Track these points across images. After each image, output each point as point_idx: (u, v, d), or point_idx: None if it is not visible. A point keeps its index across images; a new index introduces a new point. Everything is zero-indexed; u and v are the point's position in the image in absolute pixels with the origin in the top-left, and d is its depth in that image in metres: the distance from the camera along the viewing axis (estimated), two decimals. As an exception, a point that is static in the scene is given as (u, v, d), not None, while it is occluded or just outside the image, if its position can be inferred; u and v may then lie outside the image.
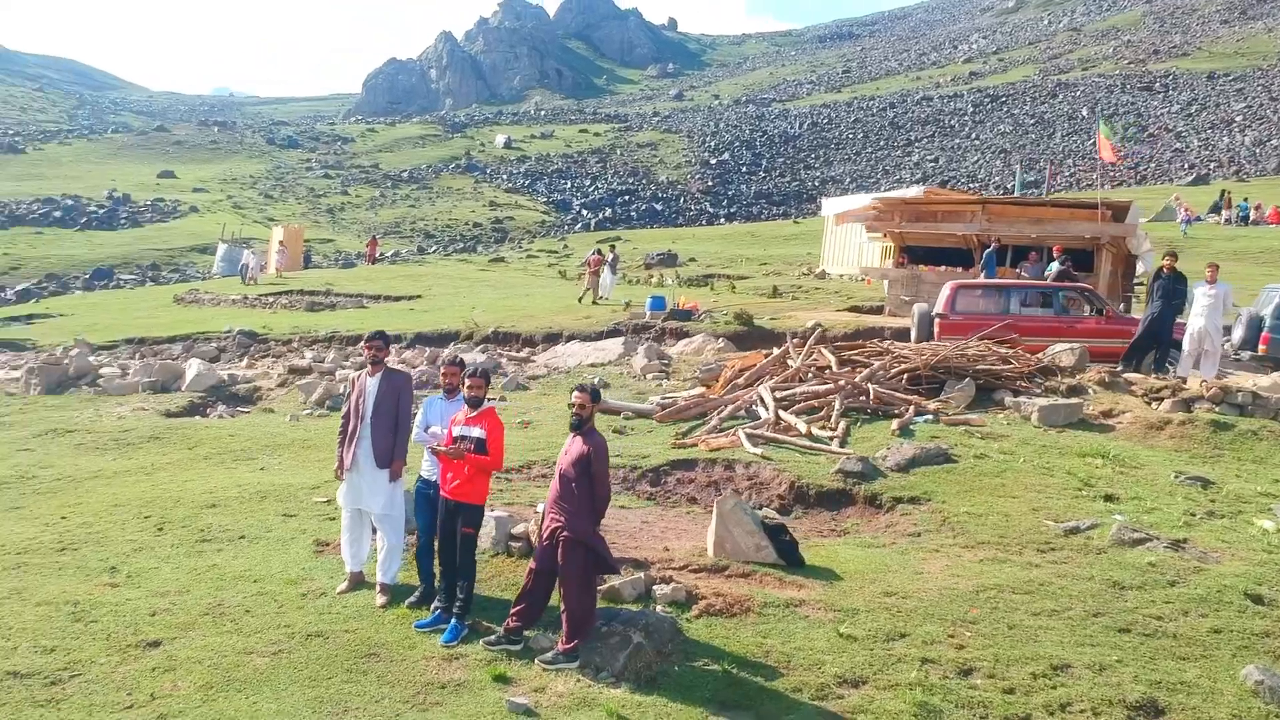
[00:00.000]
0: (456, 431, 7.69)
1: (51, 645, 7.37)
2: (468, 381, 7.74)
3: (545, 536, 7.35)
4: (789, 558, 8.86)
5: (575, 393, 7.40)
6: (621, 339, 22.14)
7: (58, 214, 66.10)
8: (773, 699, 6.63)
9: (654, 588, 8.13)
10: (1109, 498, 10.63)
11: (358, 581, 8.42)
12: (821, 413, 13.63)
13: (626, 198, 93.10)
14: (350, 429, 8.40)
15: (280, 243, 48.89)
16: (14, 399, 18.54)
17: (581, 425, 7.27)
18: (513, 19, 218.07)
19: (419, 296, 36.84)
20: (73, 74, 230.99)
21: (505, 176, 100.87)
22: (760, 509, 11.24)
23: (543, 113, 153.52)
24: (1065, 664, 6.97)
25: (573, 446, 7.32)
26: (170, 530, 10.07)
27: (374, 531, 8.55)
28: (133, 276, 53.06)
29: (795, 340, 16.70)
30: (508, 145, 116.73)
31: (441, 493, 7.75)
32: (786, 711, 6.49)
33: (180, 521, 10.33)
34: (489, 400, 7.92)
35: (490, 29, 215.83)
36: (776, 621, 7.70)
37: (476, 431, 7.62)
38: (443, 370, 8.34)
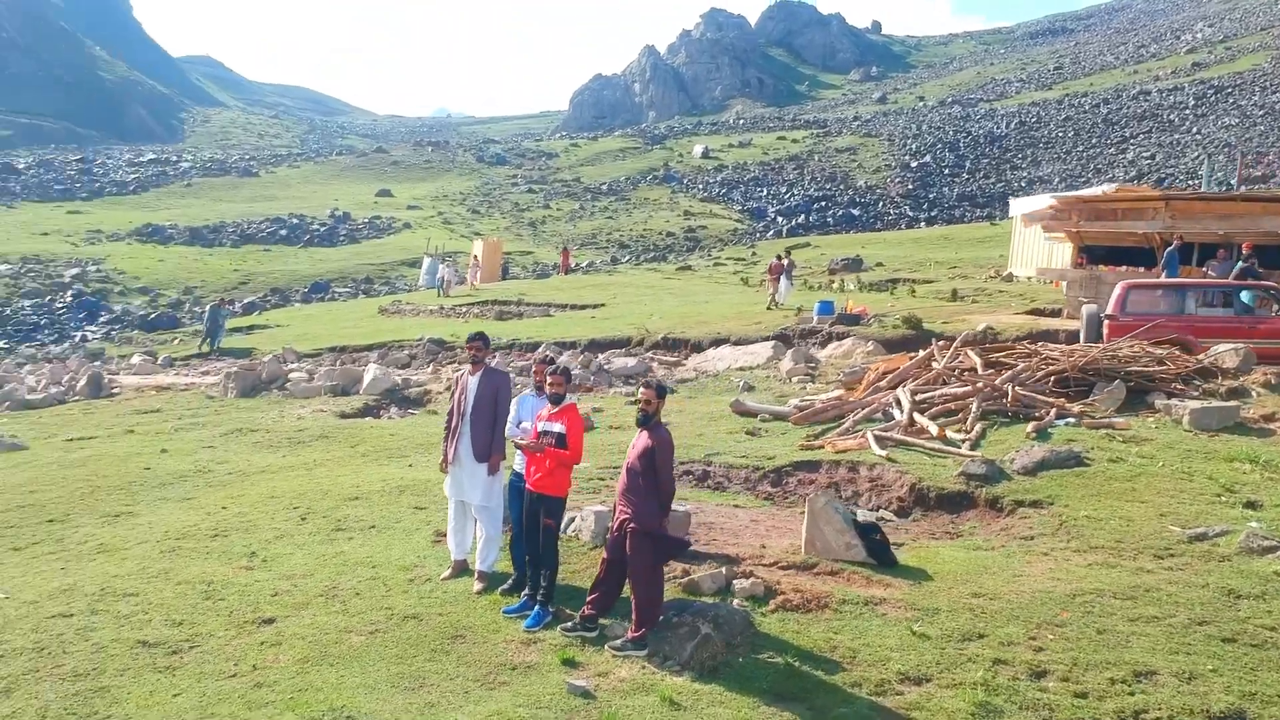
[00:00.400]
0: (540, 427, 8.07)
1: (180, 619, 8.17)
2: (549, 379, 8.11)
3: (615, 528, 7.64)
4: (880, 557, 8.82)
5: (641, 389, 7.66)
6: (771, 343, 22.16)
7: (284, 232, 71.00)
8: (829, 692, 6.68)
9: (734, 582, 8.29)
10: (1250, 504, 10.04)
11: (460, 569, 8.92)
12: (959, 415, 13.37)
13: (823, 203, 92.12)
14: (453, 425, 8.92)
15: (474, 256, 50.93)
16: (213, 401, 20.24)
17: (648, 420, 7.51)
18: (714, 30, 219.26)
19: (602, 305, 37.73)
20: (306, 101, 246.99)
21: (701, 186, 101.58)
22: (878, 510, 11.20)
23: (742, 121, 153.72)
24: (1150, 671, 6.73)
25: (639, 441, 7.57)
26: (312, 520, 10.89)
27: (476, 522, 9.04)
28: (346, 290, 56.44)
29: (940, 343, 16.36)
30: (705, 155, 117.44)
31: (525, 485, 8.15)
32: (840, 704, 6.53)
33: (322, 512, 11.14)
34: (570, 398, 8.26)
35: (692, 41, 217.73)
36: (851, 619, 7.72)
37: (557, 427, 7.97)
38: (534, 369, 8.76)
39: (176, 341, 38.81)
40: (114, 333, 44.17)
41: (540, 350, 24.09)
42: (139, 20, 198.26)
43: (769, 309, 31.04)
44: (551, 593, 7.97)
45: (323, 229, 73.90)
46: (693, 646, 7.23)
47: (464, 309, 40.25)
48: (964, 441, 12.30)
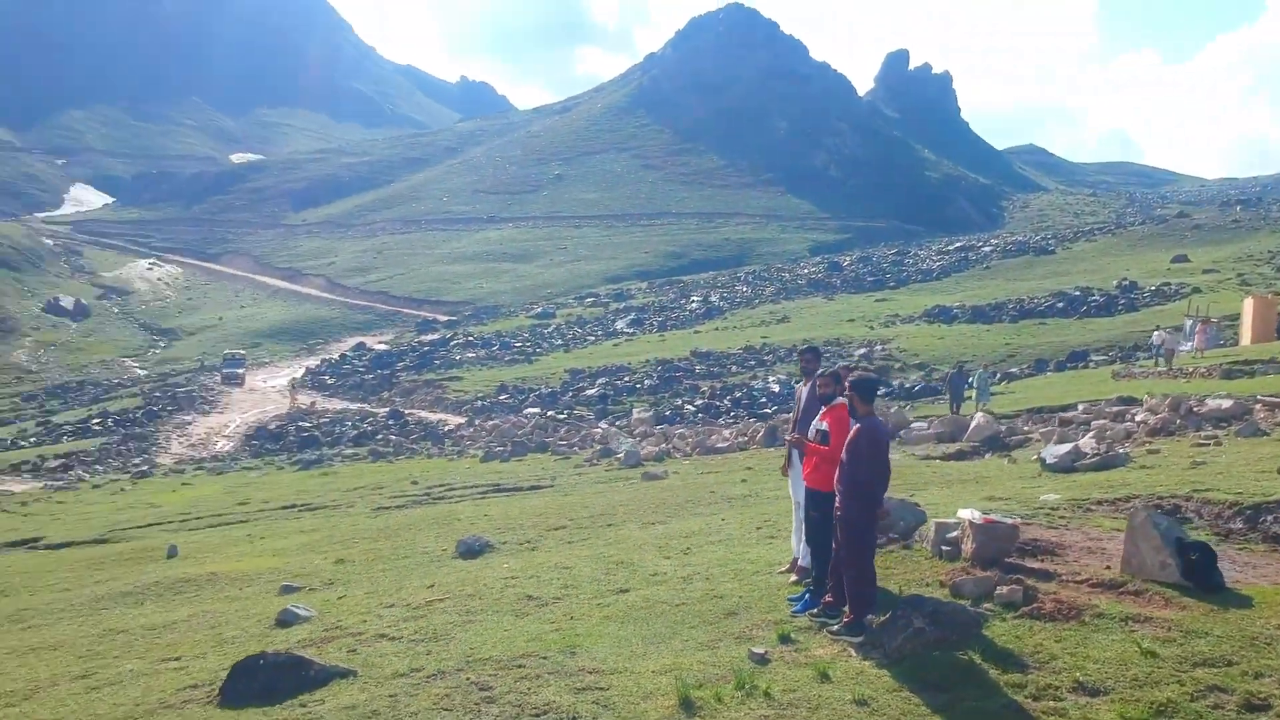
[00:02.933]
0: (813, 426, 8.77)
1: (564, 585, 10.26)
2: (818, 381, 8.77)
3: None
4: (1198, 578, 7.78)
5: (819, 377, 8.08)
6: None
7: (1061, 305, 70.79)
8: (981, 687, 6.59)
9: (997, 588, 8.05)
10: None
11: (794, 565, 9.74)
12: None
13: None
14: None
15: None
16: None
17: (853, 411, 7.90)
18: None
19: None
20: (1130, 176, 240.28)
21: None
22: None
23: None
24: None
25: (849, 432, 7.95)
26: (762, 529, 12.35)
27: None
28: (1103, 358, 54.75)
29: None
30: None
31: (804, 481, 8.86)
32: (981, 699, 6.43)
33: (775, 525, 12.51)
34: (840, 398, 8.75)
35: None
36: (1091, 631, 7.22)
37: (824, 425, 8.61)
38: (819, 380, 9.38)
39: (931, 403, 41.70)
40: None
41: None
42: (965, 120, 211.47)
43: None
44: (822, 583, 8.54)
45: (1102, 299, 72.25)
46: (903, 638, 7.45)
47: (1193, 370, 37.13)
48: None
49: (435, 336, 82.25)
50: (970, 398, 31.20)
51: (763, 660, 7.30)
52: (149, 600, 12.23)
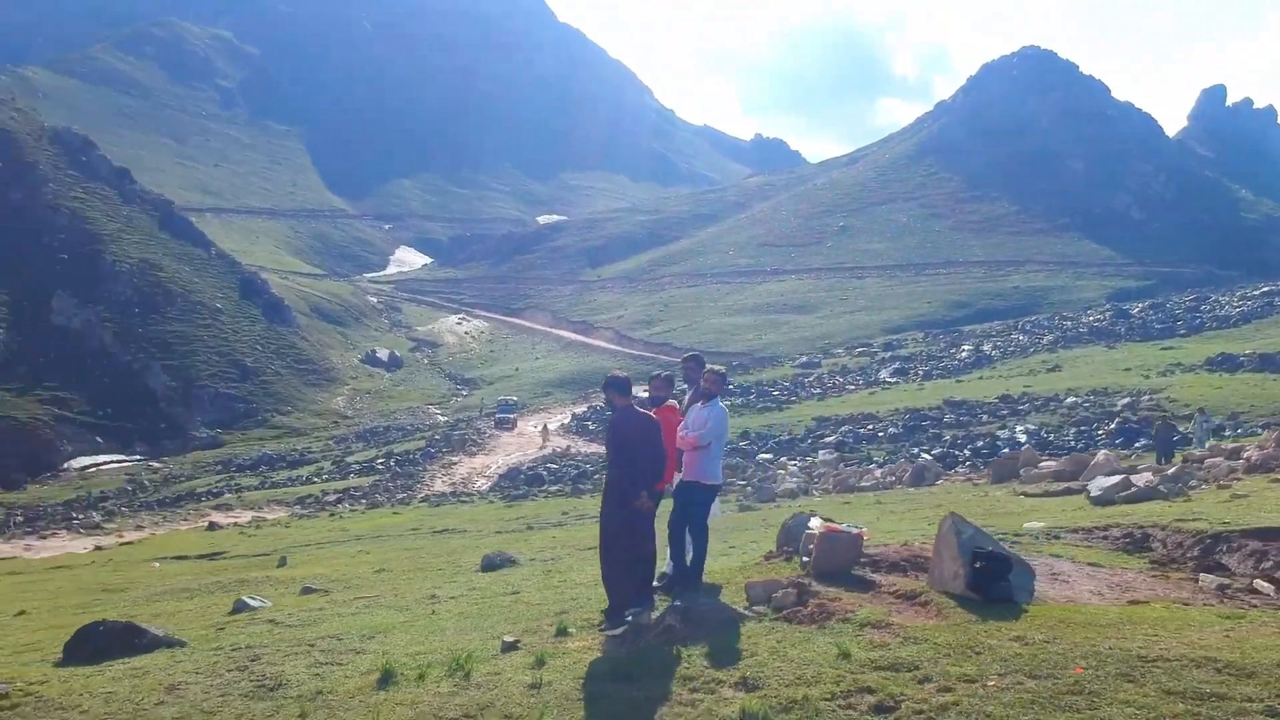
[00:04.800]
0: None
1: (500, 593, 10.86)
2: (654, 384, 9.06)
3: None
4: (982, 589, 7.43)
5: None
6: None
7: None
8: (660, 678, 6.74)
9: (776, 592, 8.08)
10: None
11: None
12: None
13: None
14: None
15: None
16: (975, 487, 21.39)
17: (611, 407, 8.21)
18: None
19: None
20: None
21: None
22: None
23: None
24: None
25: None
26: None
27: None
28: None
29: None
30: None
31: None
32: (650, 687, 6.62)
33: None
34: (670, 399, 8.95)
35: None
36: (817, 633, 7.30)
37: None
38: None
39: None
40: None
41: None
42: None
43: None
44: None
45: None
46: (653, 634, 7.84)
47: None
48: None
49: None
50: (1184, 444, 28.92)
51: (510, 648, 7.72)
52: (199, 595, 13.89)
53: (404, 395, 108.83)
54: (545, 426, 69.94)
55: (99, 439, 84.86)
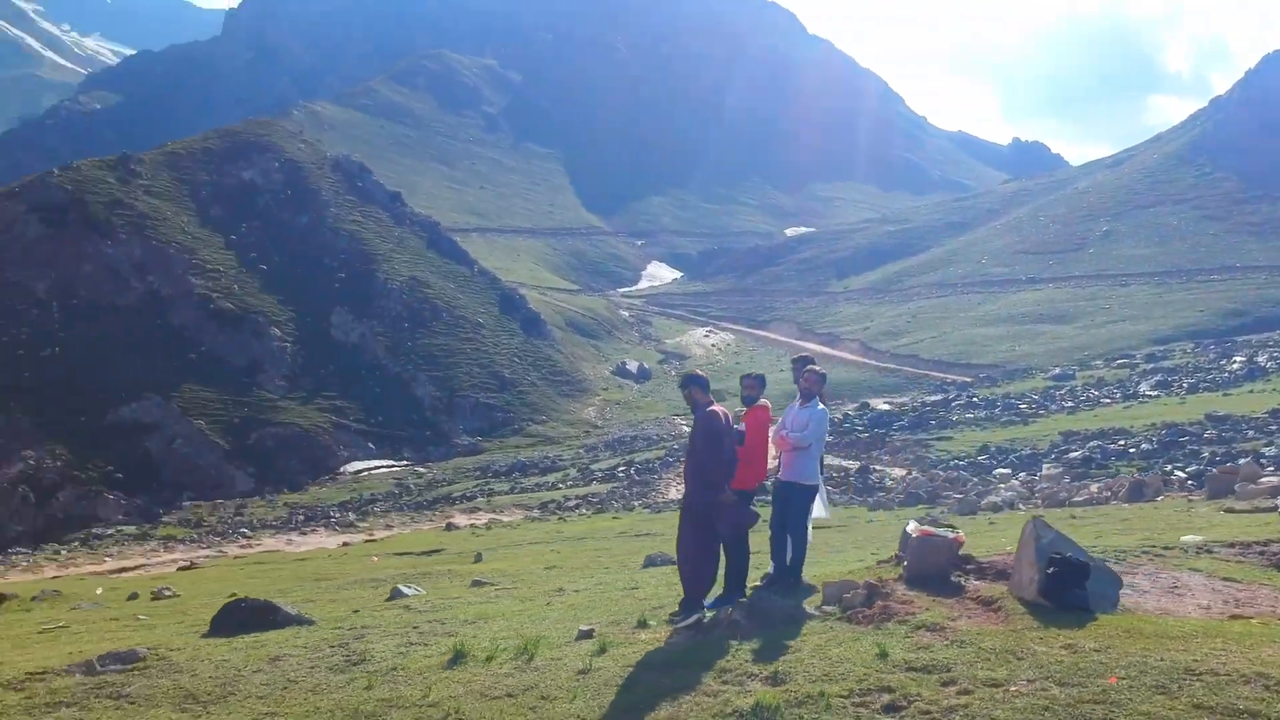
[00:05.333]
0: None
1: (624, 589, 11.27)
2: (746, 383, 9.24)
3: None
4: (1052, 595, 7.21)
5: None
6: None
7: None
8: (698, 669, 7.01)
9: (847, 592, 8.10)
10: None
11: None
12: None
13: None
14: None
15: None
16: (1190, 504, 20.03)
17: (693, 410, 8.36)
18: None
19: None
20: None
21: None
22: None
23: None
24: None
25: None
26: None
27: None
28: None
29: None
30: None
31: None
32: (686, 677, 6.91)
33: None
34: (763, 399, 9.02)
35: None
36: (870, 633, 7.30)
37: (741, 426, 9.05)
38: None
39: None
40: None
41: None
42: None
43: None
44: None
45: None
46: (719, 629, 7.99)
47: None
48: None
49: (938, 398, 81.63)
50: None
51: (585, 636, 8.15)
52: (385, 584, 15.00)
53: (651, 406, 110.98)
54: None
55: (371, 445, 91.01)
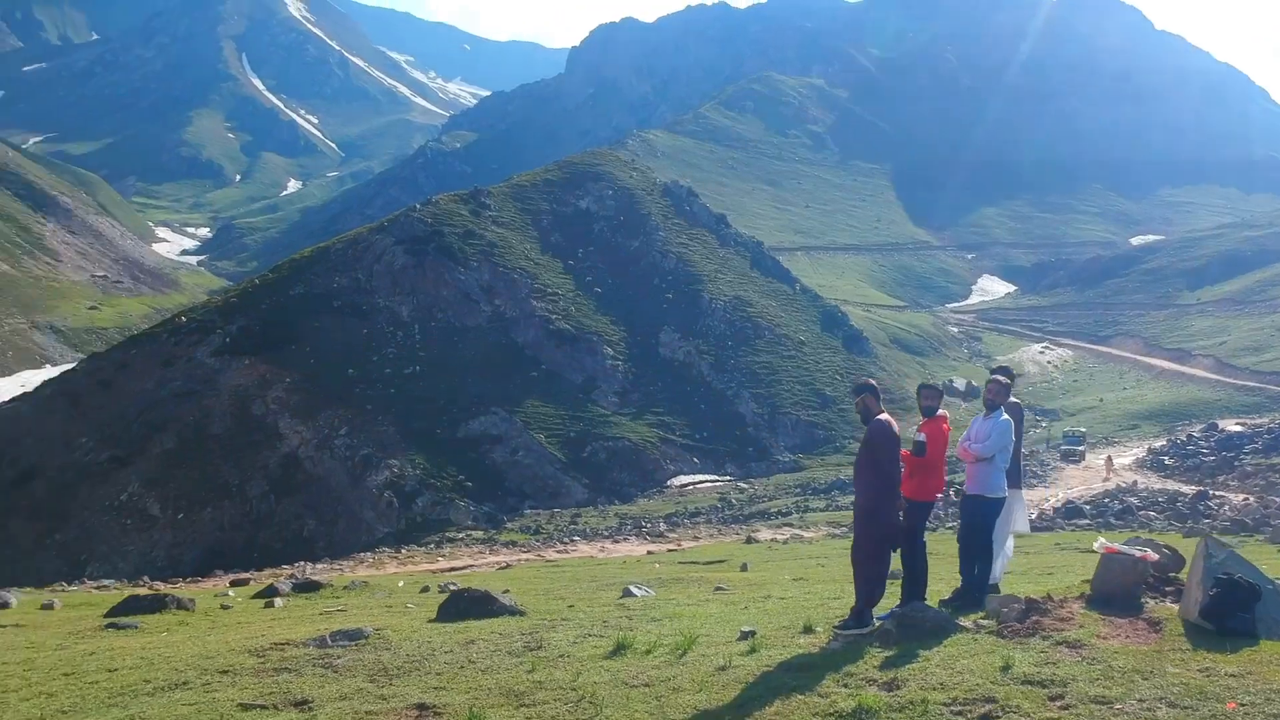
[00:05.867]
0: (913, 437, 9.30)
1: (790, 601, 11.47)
2: (922, 393, 9.27)
3: None
4: (1216, 618, 6.83)
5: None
6: None
7: None
8: (824, 671, 7.29)
9: (1007, 606, 7.99)
10: None
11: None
12: None
13: None
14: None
15: None
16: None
17: (864, 419, 8.43)
18: None
19: None
20: None
21: None
22: None
23: None
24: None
25: None
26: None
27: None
28: None
29: None
30: None
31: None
32: (811, 678, 7.22)
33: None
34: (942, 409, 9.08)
35: None
36: (1005, 647, 7.25)
37: (921, 436, 9.12)
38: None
39: None
40: None
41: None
42: None
43: None
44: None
45: None
46: (875, 638, 8.12)
47: None
48: None
49: (1302, 418, 73.46)
50: None
51: (745, 636, 8.54)
52: (606, 591, 15.73)
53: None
54: (1110, 459, 65.53)
55: (696, 460, 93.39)
